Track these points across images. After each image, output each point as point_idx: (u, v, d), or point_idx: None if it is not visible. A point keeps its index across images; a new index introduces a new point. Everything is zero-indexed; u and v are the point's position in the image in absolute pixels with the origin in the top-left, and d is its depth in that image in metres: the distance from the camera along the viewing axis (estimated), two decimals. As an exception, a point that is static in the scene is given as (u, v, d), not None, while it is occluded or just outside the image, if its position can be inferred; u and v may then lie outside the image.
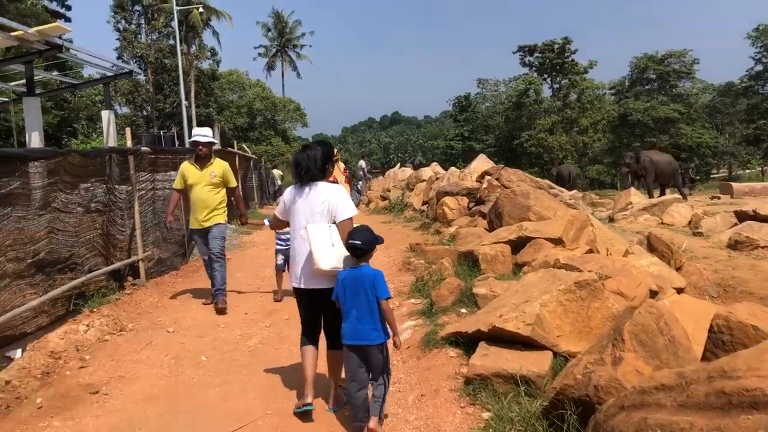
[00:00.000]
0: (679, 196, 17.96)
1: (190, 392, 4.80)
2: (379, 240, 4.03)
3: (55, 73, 22.00)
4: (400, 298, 7.11)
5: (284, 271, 7.50)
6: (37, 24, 15.90)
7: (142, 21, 46.92)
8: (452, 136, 66.70)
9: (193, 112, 43.19)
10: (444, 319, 5.75)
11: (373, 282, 3.84)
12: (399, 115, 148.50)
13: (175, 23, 35.69)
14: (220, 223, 7.31)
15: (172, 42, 43.67)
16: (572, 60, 57.46)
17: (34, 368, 5.03)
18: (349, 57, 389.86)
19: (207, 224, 7.22)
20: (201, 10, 41.63)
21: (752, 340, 3.53)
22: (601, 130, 57.68)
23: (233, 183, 7.58)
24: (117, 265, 7.81)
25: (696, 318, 4.78)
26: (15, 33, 12.04)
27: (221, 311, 7.06)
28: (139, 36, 46.55)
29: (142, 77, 45.79)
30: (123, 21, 45.98)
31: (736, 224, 11.69)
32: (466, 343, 4.87)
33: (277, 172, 30.05)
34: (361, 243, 3.89)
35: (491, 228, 9.43)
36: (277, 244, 7.75)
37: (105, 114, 17.51)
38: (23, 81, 15.29)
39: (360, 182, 24.35)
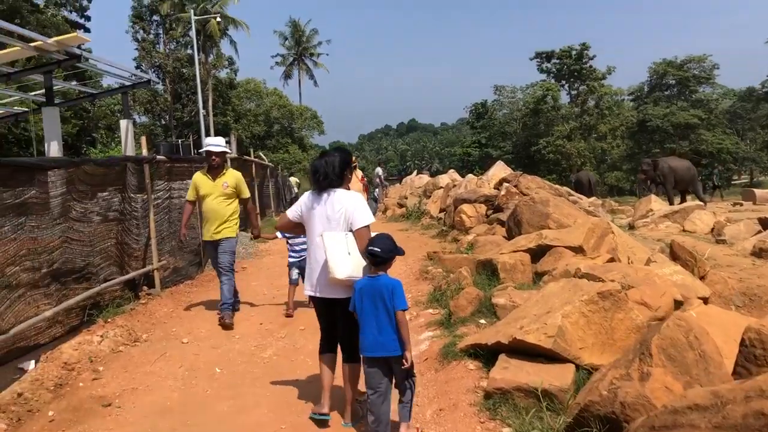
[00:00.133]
0: (701, 203, 17.68)
1: (203, 405, 4.72)
2: (399, 251, 3.91)
3: (74, 82, 22.21)
4: (418, 308, 6.99)
5: (297, 285, 7.33)
6: (57, 35, 16.03)
7: (161, 31, 47.43)
8: (469, 143, 66.48)
9: (211, 121, 43.39)
10: (463, 330, 5.63)
11: (391, 292, 3.73)
12: (415, 122, 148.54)
13: (192, 33, 35.91)
14: (230, 237, 7.14)
15: (189, 51, 43.99)
16: (590, 66, 57.06)
17: (47, 380, 4.97)
18: (366, 65, 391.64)
19: (217, 237, 7.07)
20: (219, 19, 41.90)
21: (787, 355, 3.37)
22: (619, 137, 57.14)
23: (246, 194, 7.42)
24: (132, 274, 7.77)
25: (724, 329, 4.60)
26: (34, 43, 12.15)
27: (227, 327, 6.84)
28: (157, 46, 47.02)
29: (160, 86, 46.21)
30: (141, 31, 46.47)
31: (760, 231, 11.46)
32: (486, 355, 4.74)
33: (293, 180, 30.08)
34: (380, 251, 3.78)
35: (510, 236, 9.29)
36: (290, 255, 7.51)
37: (123, 123, 17.63)
38: (43, 91, 15.42)
39: (377, 189, 24.28)
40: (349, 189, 4.34)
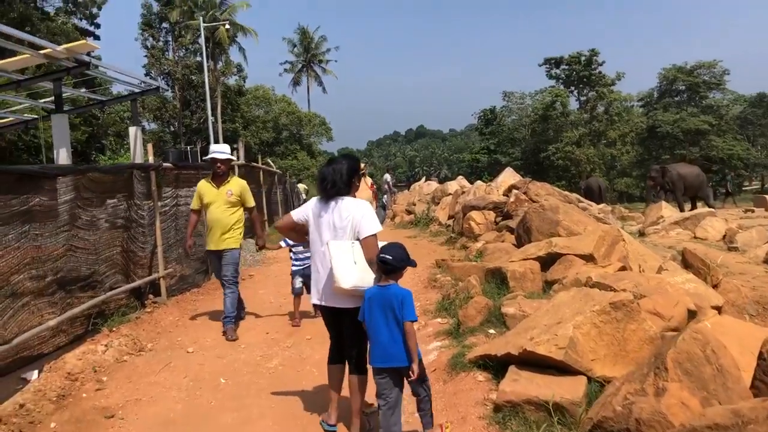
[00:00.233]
0: (712, 210, 17.52)
1: (207, 417, 4.64)
2: (411, 262, 3.81)
3: (84, 90, 22.27)
4: (426, 317, 6.89)
5: (302, 294, 7.24)
6: (67, 42, 16.07)
7: (170, 38, 47.57)
8: (478, 149, 66.38)
9: (220, 128, 43.49)
10: (471, 340, 5.53)
11: (401, 302, 3.64)
12: (424, 129, 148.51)
13: (202, 40, 36.08)
14: (234, 249, 6.99)
15: (199, 58, 44.07)
16: (599, 72, 56.89)
17: (50, 391, 4.90)
18: (374, 71, 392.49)
19: (221, 246, 6.94)
20: (227, 26, 42.06)
21: (807, 370, 3.26)
22: (629, 143, 56.87)
23: (251, 203, 7.26)
24: (138, 282, 7.72)
25: (740, 341, 4.48)
26: (44, 51, 12.16)
27: (230, 340, 6.72)
28: (166, 53, 47.16)
29: (169, 93, 46.35)
30: (151, 38, 46.64)
31: (773, 239, 11.31)
32: (495, 366, 4.64)
33: (302, 186, 30.12)
34: (392, 258, 3.69)
35: (519, 243, 9.19)
36: (293, 264, 7.37)
37: (132, 130, 17.62)
38: (52, 98, 15.44)
39: (385, 196, 24.20)
40: (356, 197, 4.26)
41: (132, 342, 6.29)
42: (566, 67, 58.07)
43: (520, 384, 4.06)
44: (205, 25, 36.50)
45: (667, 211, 16.13)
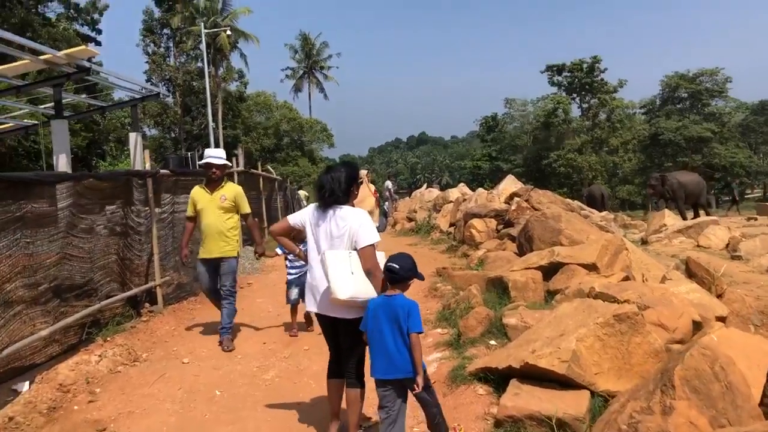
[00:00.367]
0: (716, 218, 17.42)
1: (201, 430, 4.53)
2: (418, 274, 3.71)
3: (84, 95, 22.20)
4: (426, 327, 6.76)
5: (298, 304, 7.06)
6: (68, 48, 16.01)
7: (171, 44, 47.60)
8: (479, 156, 66.41)
9: (221, 134, 43.45)
10: (472, 352, 5.43)
11: (407, 314, 3.54)
12: (426, 136, 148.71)
13: (203, 46, 36.01)
14: (231, 258, 6.77)
15: (200, 64, 44.15)
16: (601, 79, 56.92)
17: (41, 403, 4.80)
18: (376, 77, 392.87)
19: (216, 255, 6.71)
20: (229, 33, 42.01)
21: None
22: (631, 150, 56.86)
23: (246, 209, 7.01)
24: (133, 291, 7.61)
25: (747, 355, 4.36)
26: (44, 56, 12.12)
27: (226, 350, 6.57)
28: (167, 59, 47.18)
29: (170, 99, 46.31)
30: (152, 44, 46.69)
31: (777, 247, 11.20)
32: (496, 379, 4.54)
33: (302, 193, 30.09)
34: (398, 268, 3.59)
35: (521, 252, 9.10)
36: (289, 273, 7.16)
37: (132, 136, 17.57)
38: (52, 104, 15.39)
39: (386, 203, 24.09)
40: (355, 205, 4.16)
41: (126, 352, 6.18)
42: (568, 75, 58.10)
43: (521, 398, 3.96)
44: (207, 31, 36.48)
45: (670, 219, 16.02)
